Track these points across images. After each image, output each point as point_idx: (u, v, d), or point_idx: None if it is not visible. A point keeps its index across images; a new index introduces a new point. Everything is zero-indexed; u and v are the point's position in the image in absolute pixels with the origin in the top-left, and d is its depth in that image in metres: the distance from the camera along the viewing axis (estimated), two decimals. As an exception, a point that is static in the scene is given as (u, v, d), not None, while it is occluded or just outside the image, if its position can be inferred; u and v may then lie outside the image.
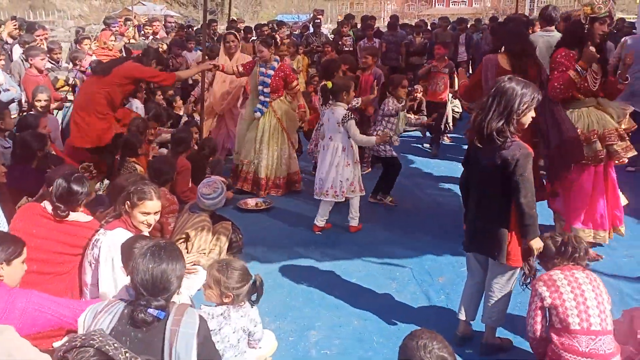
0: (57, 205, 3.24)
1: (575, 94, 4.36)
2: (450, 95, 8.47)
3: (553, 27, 5.84)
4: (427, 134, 8.78)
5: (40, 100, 6.04)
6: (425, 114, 8.26)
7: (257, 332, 2.97)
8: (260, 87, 6.21)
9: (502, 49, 4.86)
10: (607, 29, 4.29)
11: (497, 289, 3.31)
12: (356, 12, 32.72)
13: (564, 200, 4.59)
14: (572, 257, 3.03)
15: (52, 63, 7.63)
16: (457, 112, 9.17)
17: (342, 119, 5.10)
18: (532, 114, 3.10)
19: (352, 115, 5.22)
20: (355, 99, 5.74)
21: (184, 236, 4.06)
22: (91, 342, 1.80)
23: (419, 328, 2.20)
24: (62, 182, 3.24)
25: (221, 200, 4.28)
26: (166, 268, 2.25)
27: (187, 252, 4.00)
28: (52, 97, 6.39)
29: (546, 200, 4.75)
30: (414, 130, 8.91)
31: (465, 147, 3.65)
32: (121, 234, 3.16)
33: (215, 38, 11.23)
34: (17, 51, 7.69)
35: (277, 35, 10.95)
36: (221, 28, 15.75)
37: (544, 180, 4.77)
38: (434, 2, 46.05)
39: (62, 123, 7.10)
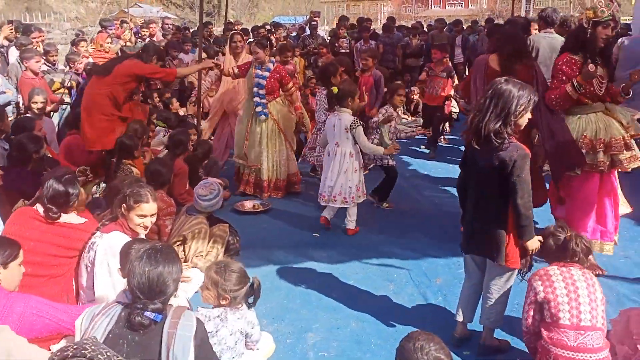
0: (48, 207, 3.23)
1: (582, 98, 4.24)
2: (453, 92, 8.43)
3: (552, 30, 5.84)
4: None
5: (36, 103, 6.03)
6: (421, 115, 8.27)
7: (254, 333, 2.97)
8: (255, 89, 6.21)
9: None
10: (612, 32, 4.15)
11: (495, 290, 3.32)
12: (353, 14, 32.84)
13: (568, 209, 4.48)
14: (572, 257, 3.04)
15: (48, 65, 7.62)
16: (455, 113, 9.20)
17: (351, 125, 5.10)
18: (528, 115, 3.12)
19: (360, 122, 5.23)
20: None
21: (181, 239, 4.06)
22: (83, 351, 1.78)
23: (416, 330, 2.20)
24: (52, 183, 3.23)
25: (218, 202, 4.28)
26: (163, 271, 2.24)
27: (184, 255, 4.00)
28: (48, 100, 6.38)
29: (550, 208, 4.70)
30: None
31: (462, 148, 3.66)
32: (117, 237, 3.16)
33: (212, 40, 11.21)
34: (14, 54, 7.67)
35: (272, 37, 10.96)
36: (218, 30, 15.76)
37: (546, 184, 4.74)
38: (430, 4, 46.13)
39: (58, 125, 7.09)
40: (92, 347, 1.81)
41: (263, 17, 37.43)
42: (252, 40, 9.42)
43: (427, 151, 8.36)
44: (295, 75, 8.35)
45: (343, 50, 10.99)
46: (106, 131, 5.40)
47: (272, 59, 6.37)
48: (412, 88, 9.63)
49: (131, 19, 13.02)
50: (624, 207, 4.67)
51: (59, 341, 2.80)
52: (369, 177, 6.40)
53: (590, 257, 3.73)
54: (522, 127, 3.14)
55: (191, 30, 13.51)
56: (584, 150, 4.22)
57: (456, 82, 8.47)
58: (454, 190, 5.34)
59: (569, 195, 4.46)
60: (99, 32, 10.98)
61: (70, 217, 3.34)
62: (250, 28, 13.03)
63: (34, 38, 8.26)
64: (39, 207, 3.28)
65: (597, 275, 4.28)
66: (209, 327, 2.73)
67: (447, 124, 8.96)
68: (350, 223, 5.31)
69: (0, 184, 4.16)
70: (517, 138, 3.16)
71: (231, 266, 2.93)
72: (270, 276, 4.45)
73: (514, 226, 3.15)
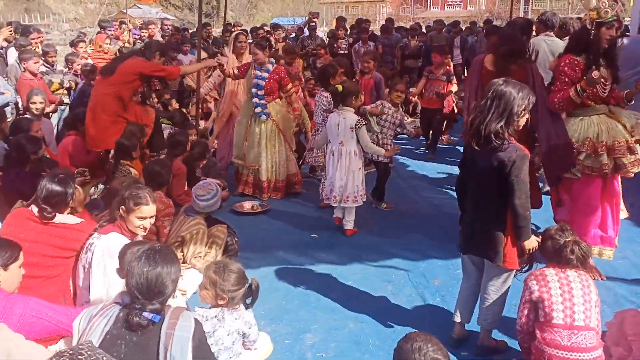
0: (42, 207, 3.22)
1: (585, 101, 4.20)
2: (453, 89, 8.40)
3: (552, 33, 5.85)
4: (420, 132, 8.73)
5: (35, 103, 6.02)
6: (419, 117, 8.26)
7: (251, 333, 2.97)
8: (254, 90, 6.21)
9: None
10: (616, 33, 4.11)
11: (492, 291, 3.32)
12: (351, 15, 32.86)
13: (570, 213, 4.44)
14: (566, 263, 3.04)
15: (46, 66, 7.61)
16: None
17: (356, 125, 5.11)
18: (527, 116, 3.13)
19: (364, 122, 5.23)
20: None
21: (179, 240, 4.06)
22: (79, 357, 1.78)
23: (414, 330, 2.21)
24: (46, 183, 3.22)
25: (216, 202, 4.28)
26: (161, 271, 2.25)
27: (183, 256, 4.00)
28: (47, 100, 6.38)
29: (552, 212, 4.68)
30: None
31: (461, 149, 3.66)
32: (115, 239, 3.16)
33: (210, 41, 11.22)
34: (13, 54, 7.68)
35: (272, 38, 10.96)
36: (216, 31, 15.77)
37: (539, 184, 4.73)
38: (429, 5, 46.25)
39: (57, 126, 7.08)
40: (89, 352, 1.80)
41: (262, 18, 37.49)
42: (251, 41, 9.43)
43: (426, 152, 8.37)
44: (299, 75, 8.35)
45: (342, 52, 10.99)
46: (111, 132, 5.40)
47: (273, 60, 6.37)
48: (411, 89, 9.63)
49: (129, 20, 12.99)
50: (622, 213, 4.64)
51: (57, 342, 2.80)
52: (369, 177, 6.40)
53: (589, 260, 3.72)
54: (520, 128, 3.16)
55: (190, 32, 13.51)
56: (584, 153, 4.18)
57: (455, 84, 8.46)
58: (452, 192, 5.36)
59: (571, 199, 4.42)
60: (98, 33, 11.00)
61: (66, 218, 3.32)
62: (249, 29, 13.03)
63: (33, 39, 8.26)
64: (34, 208, 3.27)
65: (596, 279, 4.29)
66: (206, 327, 2.73)
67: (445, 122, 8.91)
68: (349, 224, 5.31)
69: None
70: (517, 139, 3.17)
71: (230, 266, 2.93)
72: (268, 277, 4.45)
73: (512, 227, 3.16)
